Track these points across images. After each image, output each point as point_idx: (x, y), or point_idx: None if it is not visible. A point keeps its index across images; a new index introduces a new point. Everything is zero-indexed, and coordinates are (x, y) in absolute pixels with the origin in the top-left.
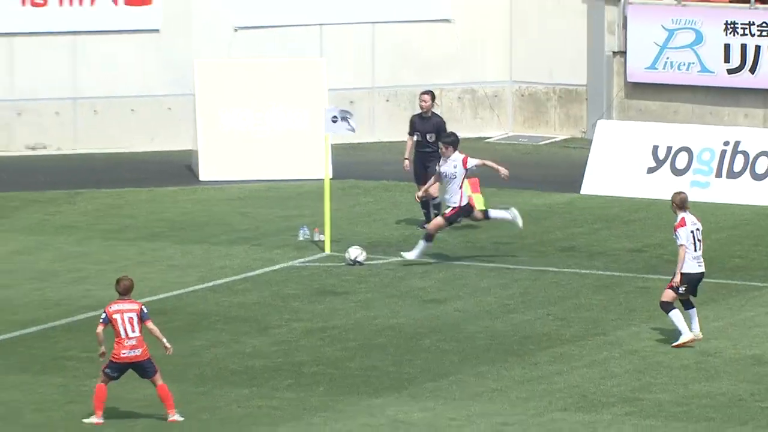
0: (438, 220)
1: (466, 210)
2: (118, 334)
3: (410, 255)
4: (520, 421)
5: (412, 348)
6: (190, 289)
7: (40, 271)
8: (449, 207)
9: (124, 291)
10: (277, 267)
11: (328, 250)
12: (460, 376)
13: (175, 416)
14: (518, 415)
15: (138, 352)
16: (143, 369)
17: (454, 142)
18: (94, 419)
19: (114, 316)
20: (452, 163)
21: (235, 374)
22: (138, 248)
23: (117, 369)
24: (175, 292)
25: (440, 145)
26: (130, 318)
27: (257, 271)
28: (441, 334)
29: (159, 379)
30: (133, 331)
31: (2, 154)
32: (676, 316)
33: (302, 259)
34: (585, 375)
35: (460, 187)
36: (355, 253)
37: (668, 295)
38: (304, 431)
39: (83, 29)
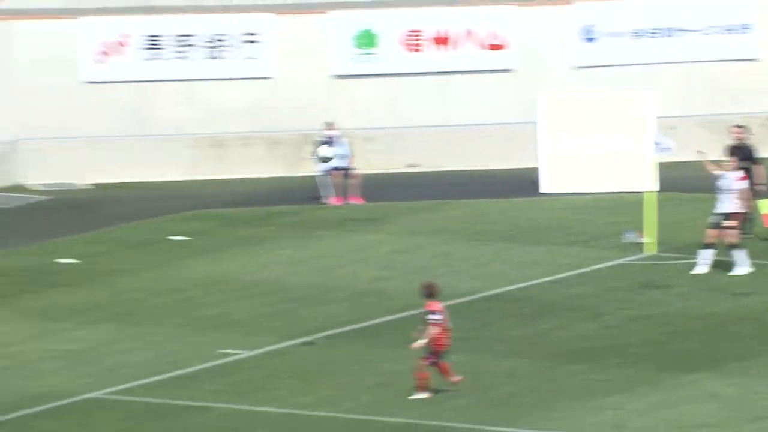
0: (734, 231)
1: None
2: (443, 328)
3: (741, 270)
4: None
5: (723, 333)
6: (537, 281)
7: (416, 267)
8: (736, 213)
9: (437, 294)
10: (606, 264)
11: (651, 251)
12: (763, 358)
13: (456, 377)
14: None
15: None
16: (448, 353)
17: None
18: (423, 395)
19: (434, 316)
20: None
21: (573, 353)
22: (494, 248)
23: (439, 355)
24: (524, 284)
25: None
26: (448, 315)
27: (590, 268)
28: (748, 323)
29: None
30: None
31: (385, 171)
32: None
33: (628, 258)
34: None
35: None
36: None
37: None
38: (628, 400)
39: (453, 70)
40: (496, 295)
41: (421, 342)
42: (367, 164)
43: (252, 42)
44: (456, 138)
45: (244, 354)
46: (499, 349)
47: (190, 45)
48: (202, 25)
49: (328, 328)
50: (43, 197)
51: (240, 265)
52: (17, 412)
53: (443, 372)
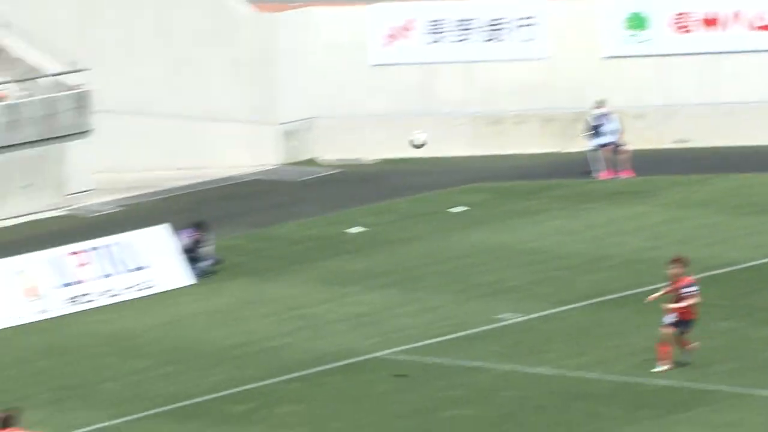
0: None
1: None
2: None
3: None
4: None
5: None
6: None
7: (683, 236)
8: None
9: (687, 266)
10: None
11: None
12: None
13: (692, 345)
14: None
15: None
16: (692, 325)
17: None
18: (665, 366)
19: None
20: None
21: None
22: (758, 220)
23: (686, 325)
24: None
25: None
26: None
27: None
28: None
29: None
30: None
31: (654, 147)
32: None
33: None
34: None
35: None
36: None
37: None
38: None
39: (721, 50)
40: (760, 265)
41: (674, 305)
42: (637, 140)
43: (528, 25)
44: (724, 115)
45: (520, 318)
46: (762, 316)
47: (470, 29)
48: (481, 10)
49: (599, 294)
50: (333, 171)
51: (514, 234)
52: (311, 368)
53: (681, 344)
